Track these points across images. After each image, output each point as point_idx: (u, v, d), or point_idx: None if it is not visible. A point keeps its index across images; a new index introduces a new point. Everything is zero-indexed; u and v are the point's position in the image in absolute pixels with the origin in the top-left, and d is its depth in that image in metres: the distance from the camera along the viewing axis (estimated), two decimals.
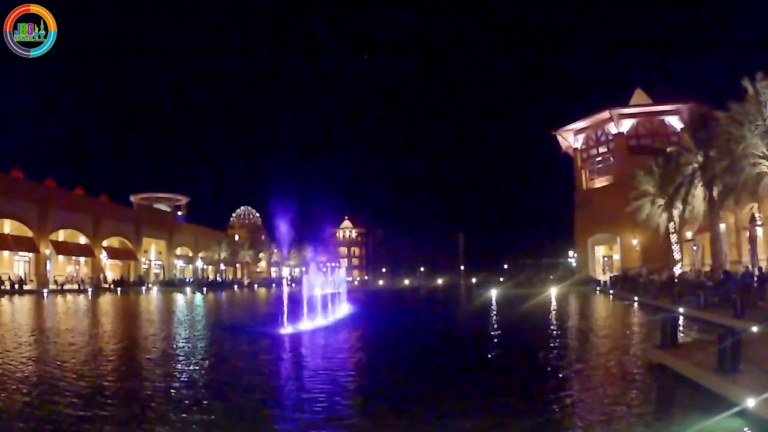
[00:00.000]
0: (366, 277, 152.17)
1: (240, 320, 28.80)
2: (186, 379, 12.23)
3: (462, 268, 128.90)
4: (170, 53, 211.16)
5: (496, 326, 25.53)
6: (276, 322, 21.40)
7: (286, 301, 22.22)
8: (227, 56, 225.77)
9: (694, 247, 55.57)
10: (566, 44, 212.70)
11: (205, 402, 9.97)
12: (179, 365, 14.06)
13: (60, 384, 11.36)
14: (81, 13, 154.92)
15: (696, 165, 41.99)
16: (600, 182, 78.76)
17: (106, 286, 71.14)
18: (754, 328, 15.16)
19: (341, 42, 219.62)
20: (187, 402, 9.99)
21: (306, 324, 21.61)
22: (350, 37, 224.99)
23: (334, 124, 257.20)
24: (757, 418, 8.22)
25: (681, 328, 16.99)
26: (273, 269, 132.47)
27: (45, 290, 56.70)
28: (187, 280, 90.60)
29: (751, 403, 8.31)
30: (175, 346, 17.51)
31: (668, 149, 51.05)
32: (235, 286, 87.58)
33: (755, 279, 28.70)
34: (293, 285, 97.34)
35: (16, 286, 56.97)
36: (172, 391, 11.04)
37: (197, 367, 13.73)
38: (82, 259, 76.54)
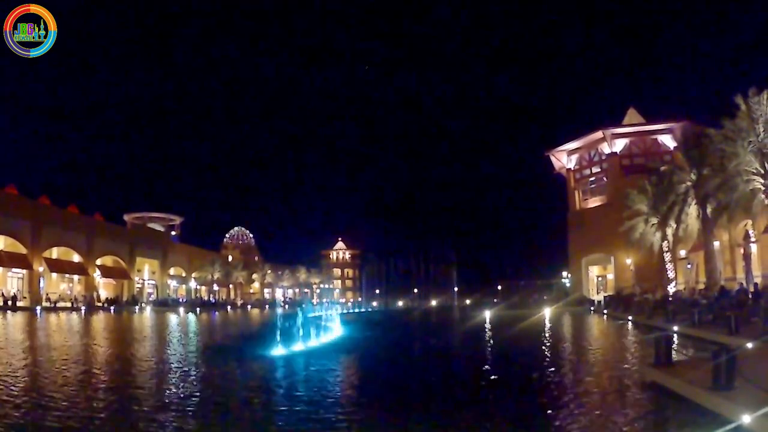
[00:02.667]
0: (359, 299, 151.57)
1: (231, 341, 28.34)
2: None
3: (456, 289, 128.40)
4: (164, 75, 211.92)
5: (489, 347, 25.31)
6: (268, 344, 20.87)
7: (279, 323, 21.88)
8: (223, 75, 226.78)
9: (688, 266, 55.52)
10: (559, 65, 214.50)
11: None
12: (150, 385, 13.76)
13: None
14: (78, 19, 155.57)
15: (689, 183, 42.07)
16: (593, 202, 78.86)
17: (99, 304, 70.69)
18: (749, 345, 15.03)
19: (336, 62, 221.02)
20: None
21: (299, 346, 21.12)
22: (347, 56, 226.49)
23: (329, 147, 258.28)
24: None
25: (675, 346, 16.82)
26: (266, 290, 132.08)
27: (38, 307, 56.49)
28: (181, 300, 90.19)
29: (746, 419, 8.15)
30: (156, 367, 17.09)
31: (661, 168, 51.12)
32: (228, 307, 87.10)
33: (750, 295, 28.59)
34: (286, 306, 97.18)
35: (9, 303, 56.72)
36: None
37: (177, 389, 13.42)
38: (75, 277, 76.36)
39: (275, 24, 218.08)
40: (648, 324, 31.88)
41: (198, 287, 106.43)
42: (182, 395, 12.20)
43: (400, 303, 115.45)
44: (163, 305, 78.55)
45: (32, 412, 10.08)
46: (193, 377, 15.00)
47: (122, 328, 36.83)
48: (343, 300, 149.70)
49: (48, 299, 64.79)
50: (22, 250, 64.69)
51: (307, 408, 10.88)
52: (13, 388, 12.54)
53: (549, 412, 10.47)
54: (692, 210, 42.55)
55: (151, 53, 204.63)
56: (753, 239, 40.62)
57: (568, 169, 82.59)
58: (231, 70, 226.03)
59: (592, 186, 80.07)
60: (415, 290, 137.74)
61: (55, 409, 10.36)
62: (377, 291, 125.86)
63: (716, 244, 43.28)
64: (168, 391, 12.71)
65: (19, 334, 30.27)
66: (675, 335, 23.09)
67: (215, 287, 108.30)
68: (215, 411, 10.81)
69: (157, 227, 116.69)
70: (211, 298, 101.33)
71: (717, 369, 10.21)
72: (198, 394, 12.44)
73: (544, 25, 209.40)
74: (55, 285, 72.18)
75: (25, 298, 63.01)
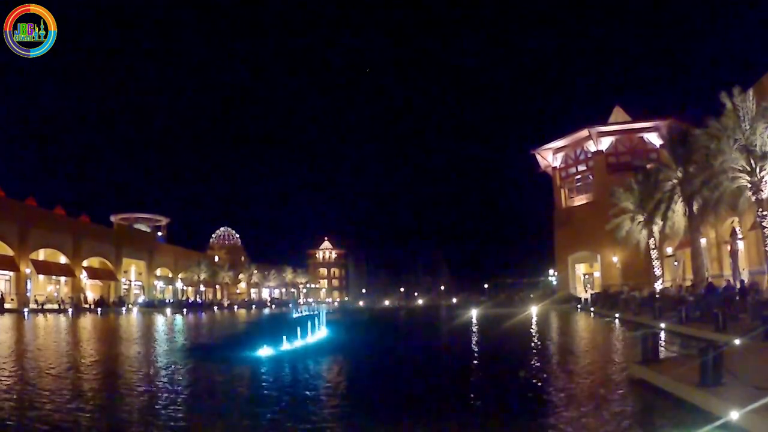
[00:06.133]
0: (346, 298, 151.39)
1: (217, 342, 28.20)
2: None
3: (443, 288, 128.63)
4: (150, 77, 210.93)
5: (476, 345, 25.31)
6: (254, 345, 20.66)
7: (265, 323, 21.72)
8: (209, 77, 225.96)
9: (675, 263, 55.78)
10: (545, 63, 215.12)
11: None
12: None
13: None
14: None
15: (675, 181, 42.14)
16: (579, 200, 78.92)
17: (87, 306, 70.29)
18: (736, 341, 15.09)
19: (321, 61, 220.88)
20: None
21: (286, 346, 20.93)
22: (329, 55, 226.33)
23: (314, 145, 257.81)
24: (740, 430, 8.10)
25: (662, 344, 16.87)
26: (253, 290, 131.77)
27: (25, 309, 56.12)
28: (167, 301, 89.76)
29: (734, 415, 8.18)
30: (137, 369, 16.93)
31: (647, 166, 51.25)
32: (215, 308, 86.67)
33: (737, 292, 28.74)
34: (272, 306, 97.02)
35: None
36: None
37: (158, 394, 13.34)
38: (62, 278, 75.80)
39: (264, 28, 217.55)
40: (635, 321, 31.95)
41: (185, 288, 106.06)
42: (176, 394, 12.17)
43: (387, 302, 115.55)
44: (150, 306, 78.29)
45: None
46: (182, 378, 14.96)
47: (110, 331, 36.57)
48: (329, 299, 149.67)
49: (35, 301, 64.35)
50: (9, 251, 64.27)
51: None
52: None
53: (535, 410, 10.49)
54: (678, 207, 42.59)
55: (139, 55, 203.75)
56: (740, 236, 40.81)
57: (554, 168, 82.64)
58: (217, 72, 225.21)
59: (578, 184, 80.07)
60: (402, 289, 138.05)
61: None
62: (363, 290, 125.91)
63: (703, 241, 43.44)
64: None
65: None
66: (662, 332, 23.17)
67: (202, 288, 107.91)
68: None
69: (144, 228, 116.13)
70: (197, 299, 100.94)
71: (704, 366, 10.23)
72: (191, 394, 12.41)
73: (530, 24, 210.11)
74: (42, 287, 71.68)
75: (12, 300, 62.56)
